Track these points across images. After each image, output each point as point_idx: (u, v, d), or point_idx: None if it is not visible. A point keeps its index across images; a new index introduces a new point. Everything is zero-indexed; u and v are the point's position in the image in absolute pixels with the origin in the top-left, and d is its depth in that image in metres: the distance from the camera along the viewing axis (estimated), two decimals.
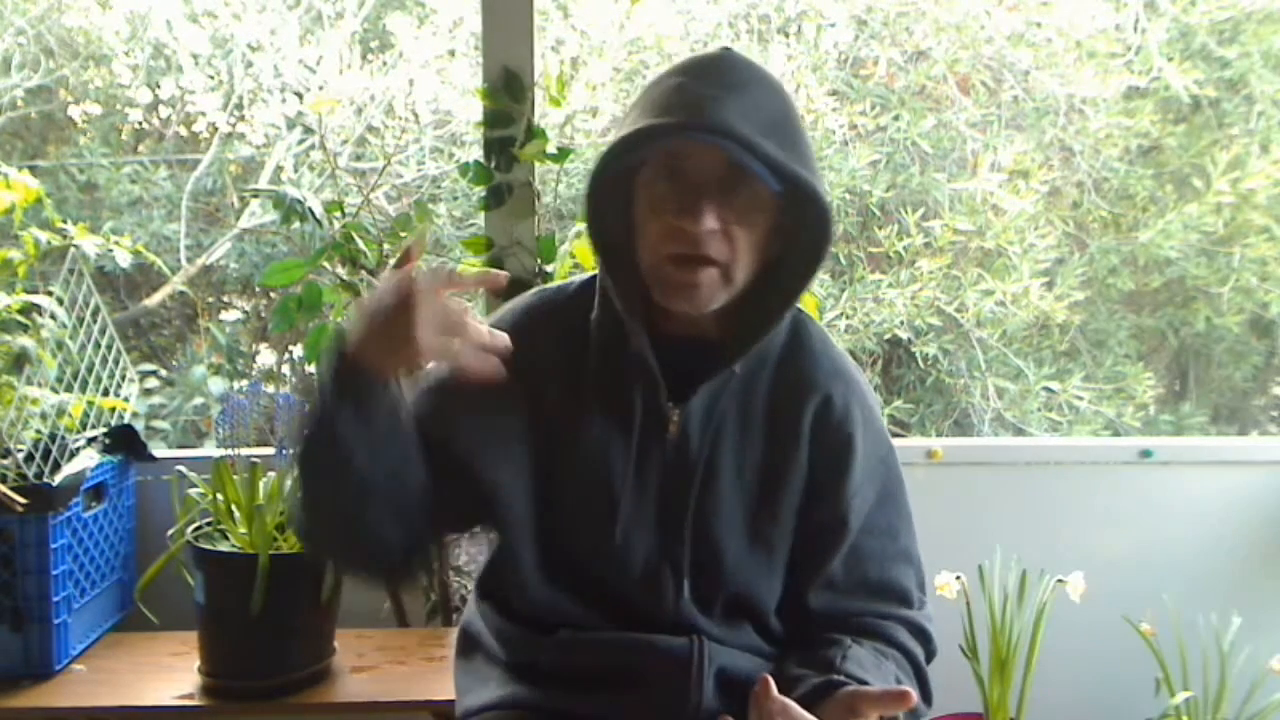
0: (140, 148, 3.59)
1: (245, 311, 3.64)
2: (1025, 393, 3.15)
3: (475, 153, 1.96)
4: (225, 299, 3.63)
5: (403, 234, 1.79)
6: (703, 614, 1.13)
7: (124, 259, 1.79)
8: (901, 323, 3.06)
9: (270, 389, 1.80)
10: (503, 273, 1.08)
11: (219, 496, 1.63)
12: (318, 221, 1.75)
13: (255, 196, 3.22)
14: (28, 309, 1.71)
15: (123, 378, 1.88)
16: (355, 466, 1.02)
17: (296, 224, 1.75)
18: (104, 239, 1.78)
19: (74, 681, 1.62)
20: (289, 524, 1.09)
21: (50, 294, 1.73)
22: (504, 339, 1.01)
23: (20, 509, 1.56)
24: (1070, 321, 3.24)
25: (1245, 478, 2.06)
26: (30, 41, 3.34)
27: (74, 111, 3.59)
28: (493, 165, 1.85)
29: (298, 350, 3.42)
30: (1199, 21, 3.17)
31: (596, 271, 1.19)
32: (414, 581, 1.22)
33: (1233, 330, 3.34)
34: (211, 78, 3.42)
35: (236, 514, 1.63)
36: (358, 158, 3.26)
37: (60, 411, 1.74)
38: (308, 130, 3.21)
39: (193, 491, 1.66)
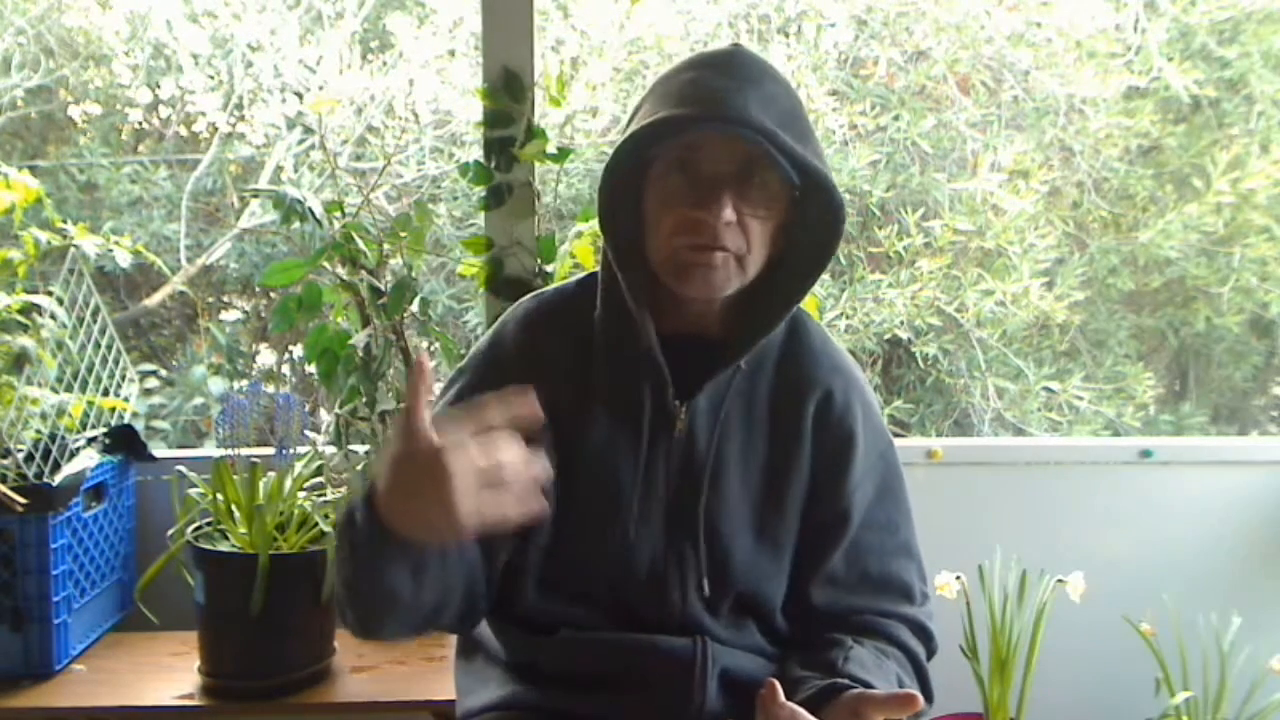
0: (140, 148, 3.59)
1: (245, 311, 3.64)
2: (1025, 393, 3.15)
3: (475, 153, 1.96)
4: (225, 299, 3.63)
5: (403, 234, 1.79)
6: (709, 613, 1.13)
7: (124, 259, 1.79)
8: (901, 323, 3.06)
9: (270, 389, 1.80)
10: (532, 405, 0.92)
11: (219, 496, 1.63)
12: (318, 221, 1.75)
13: (255, 196, 3.22)
14: (28, 309, 1.70)
15: (123, 378, 1.88)
16: (402, 599, 1.00)
17: (296, 224, 1.75)
18: (104, 239, 1.78)
19: (74, 681, 1.62)
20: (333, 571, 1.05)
21: (50, 294, 1.73)
22: (537, 414, 0.91)
23: (20, 509, 1.56)
24: (1070, 321, 3.24)
25: (1245, 478, 2.06)
26: (30, 41, 3.34)
27: (74, 111, 3.59)
28: (493, 165, 1.85)
29: (298, 350, 3.43)
30: (1199, 21, 3.17)
31: (594, 271, 1.19)
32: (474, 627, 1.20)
33: (1233, 330, 3.34)
34: (211, 78, 3.42)
35: (236, 514, 1.63)
36: (358, 158, 3.26)
37: (60, 411, 1.74)
38: (308, 130, 3.21)
39: (193, 491, 1.66)
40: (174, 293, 3.39)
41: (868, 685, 1.03)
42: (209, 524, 1.65)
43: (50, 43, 3.36)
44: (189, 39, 3.34)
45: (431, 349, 1.99)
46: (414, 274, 1.82)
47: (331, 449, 1.78)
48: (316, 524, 1.62)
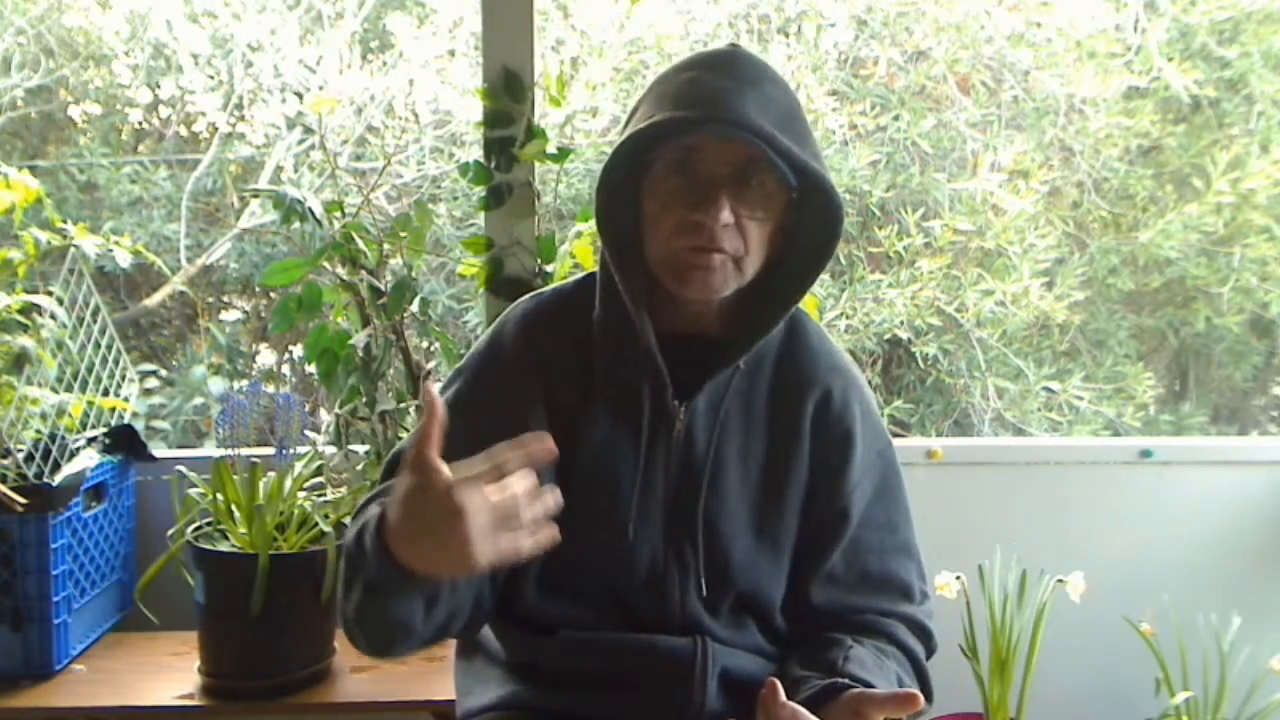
0: (140, 148, 3.59)
1: (245, 311, 3.64)
2: (1025, 393, 3.15)
3: (475, 153, 1.96)
4: (225, 299, 3.63)
5: (403, 234, 1.79)
6: (709, 613, 1.13)
7: (124, 259, 1.79)
8: (901, 323, 3.06)
9: (270, 389, 1.80)
10: (547, 446, 0.92)
11: (219, 496, 1.63)
12: (318, 221, 1.75)
13: (255, 196, 3.22)
14: (28, 309, 1.70)
15: (123, 378, 1.88)
16: (415, 629, 1.01)
17: (296, 224, 1.75)
18: (104, 239, 1.78)
19: (74, 681, 1.62)
20: (343, 617, 1.05)
21: (50, 294, 1.73)
22: (551, 450, 0.91)
23: (20, 509, 1.57)
24: (1070, 321, 3.24)
25: (1245, 478, 2.06)
26: (30, 41, 3.34)
27: (74, 111, 3.59)
28: (493, 165, 1.85)
29: (298, 350, 3.42)
30: (1199, 21, 3.17)
31: (592, 272, 1.19)
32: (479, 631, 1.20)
33: (1233, 330, 3.34)
34: (211, 78, 3.42)
35: (236, 514, 1.63)
36: (358, 158, 3.26)
37: (60, 411, 1.74)
38: (308, 130, 3.21)
39: (193, 491, 1.66)
40: (174, 293, 3.39)
41: (868, 685, 1.03)
42: (209, 524, 1.65)
43: (50, 43, 3.36)
44: (189, 39, 3.34)
45: (431, 349, 1.99)
46: (414, 274, 1.82)
47: (331, 449, 1.78)
48: (316, 524, 1.62)
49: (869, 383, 1.27)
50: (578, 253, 1.82)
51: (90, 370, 1.80)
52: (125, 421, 1.85)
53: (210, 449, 1.88)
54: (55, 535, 1.60)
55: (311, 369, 1.84)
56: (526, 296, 1.24)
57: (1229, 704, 1.81)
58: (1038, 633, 1.78)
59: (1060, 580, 1.77)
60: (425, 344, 2.03)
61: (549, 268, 1.86)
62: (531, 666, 1.15)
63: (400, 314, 1.76)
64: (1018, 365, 3.17)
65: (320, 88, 3.23)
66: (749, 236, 1.07)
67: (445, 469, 0.88)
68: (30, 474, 1.61)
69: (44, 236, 1.72)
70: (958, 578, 1.78)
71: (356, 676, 1.64)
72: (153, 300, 3.40)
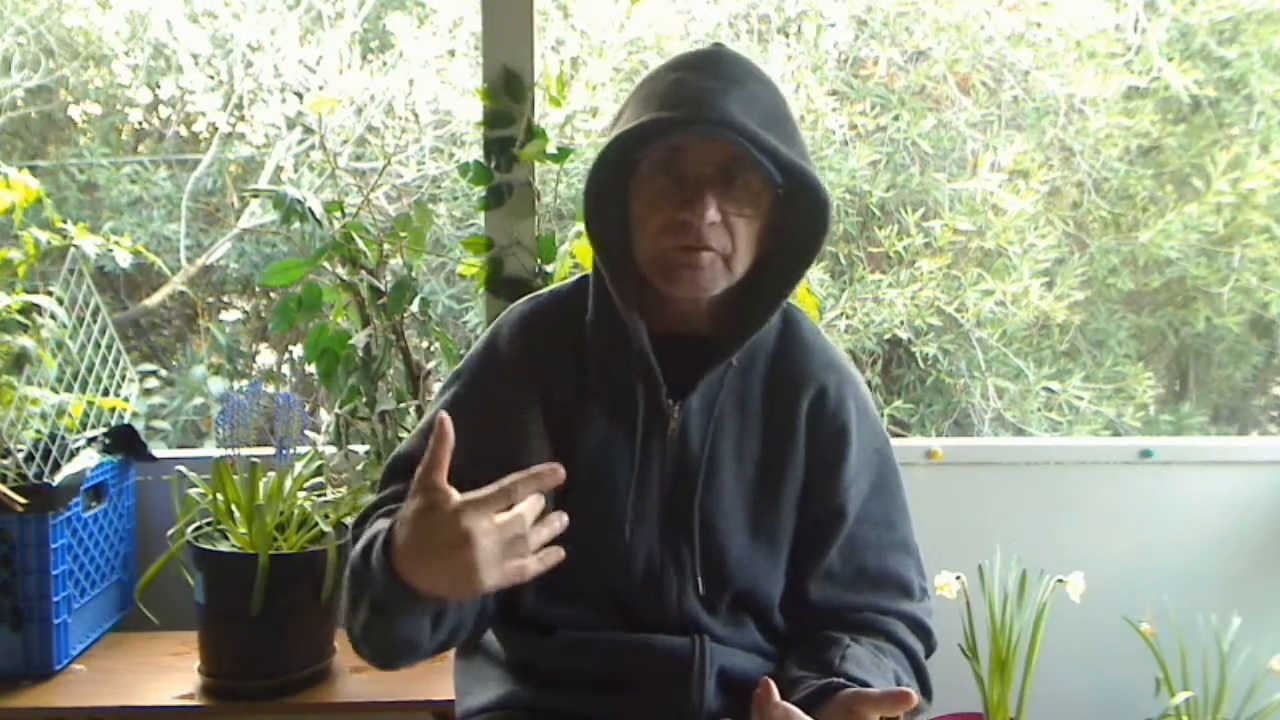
0: (140, 148, 3.59)
1: (245, 311, 3.64)
2: (1025, 393, 3.15)
3: (475, 153, 1.96)
4: (225, 299, 3.63)
5: (403, 234, 1.79)
6: (707, 612, 1.13)
7: (124, 259, 1.79)
8: (901, 323, 3.06)
9: (270, 389, 1.80)
10: (558, 475, 0.93)
11: (219, 496, 1.63)
12: (318, 221, 1.75)
13: (255, 196, 3.22)
14: (28, 309, 1.71)
15: (123, 378, 1.88)
16: (422, 645, 1.02)
17: (296, 224, 1.75)
18: (104, 239, 1.78)
19: (74, 681, 1.62)
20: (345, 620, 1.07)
21: (50, 294, 1.73)
22: (560, 477, 0.92)
23: (20, 509, 1.57)
24: (1070, 321, 3.24)
25: (1245, 478, 2.06)
26: (30, 41, 3.34)
27: (74, 111, 3.59)
28: (493, 165, 1.85)
29: (298, 350, 3.42)
30: (1199, 21, 3.17)
31: (587, 274, 1.19)
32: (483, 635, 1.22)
33: (1233, 330, 3.33)
34: (211, 78, 3.42)
35: (236, 514, 1.63)
36: (358, 158, 3.26)
37: (60, 411, 1.74)
38: (308, 130, 3.21)
39: (193, 491, 1.66)
40: (174, 293, 3.39)
41: (864, 684, 1.03)
42: (209, 524, 1.65)
43: (50, 43, 3.36)
44: (189, 39, 3.34)
45: (431, 349, 1.99)
46: (414, 274, 1.82)
47: (331, 449, 1.78)
48: (316, 524, 1.62)
49: (869, 383, 1.27)
50: (578, 253, 1.82)
51: (90, 370, 1.80)
52: (125, 421, 1.85)
53: (210, 449, 1.88)
54: (55, 535, 1.60)
55: (311, 369, 1.84)
56: (522, 299, 1.24)
57: (1229, 704, 1.81)
58: (1038, 633, 1.78)
59: (1060, 580, 1.77)
60: (425, 344, 2.03)
61: (549, 268, 1.86)
62: (530, 667, 1.15)
63: (400, 314, 1.76)
64: (1018, 365, 3.17)
65: (320, 88, 3.23)
66: (736, 235, 1.07)
67: (454, 493, 0.89)
68: (30, 474, 1.61)
69: (44, 236, 1.72)
70: (958, 578, 1.78)
71: (356, 676, 1.64)
72: (153, 300, 3.40)
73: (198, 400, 3.05)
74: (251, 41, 3.31)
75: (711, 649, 1.11)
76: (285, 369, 3.53)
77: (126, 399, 1.86)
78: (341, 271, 1.78)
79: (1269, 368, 3.67)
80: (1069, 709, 1.97)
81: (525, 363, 1.16)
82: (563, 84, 1.84)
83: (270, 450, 1.65)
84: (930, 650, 1.20)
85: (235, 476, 1.63)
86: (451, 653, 1.28)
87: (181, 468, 1.71)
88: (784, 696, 1.00)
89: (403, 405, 1.78)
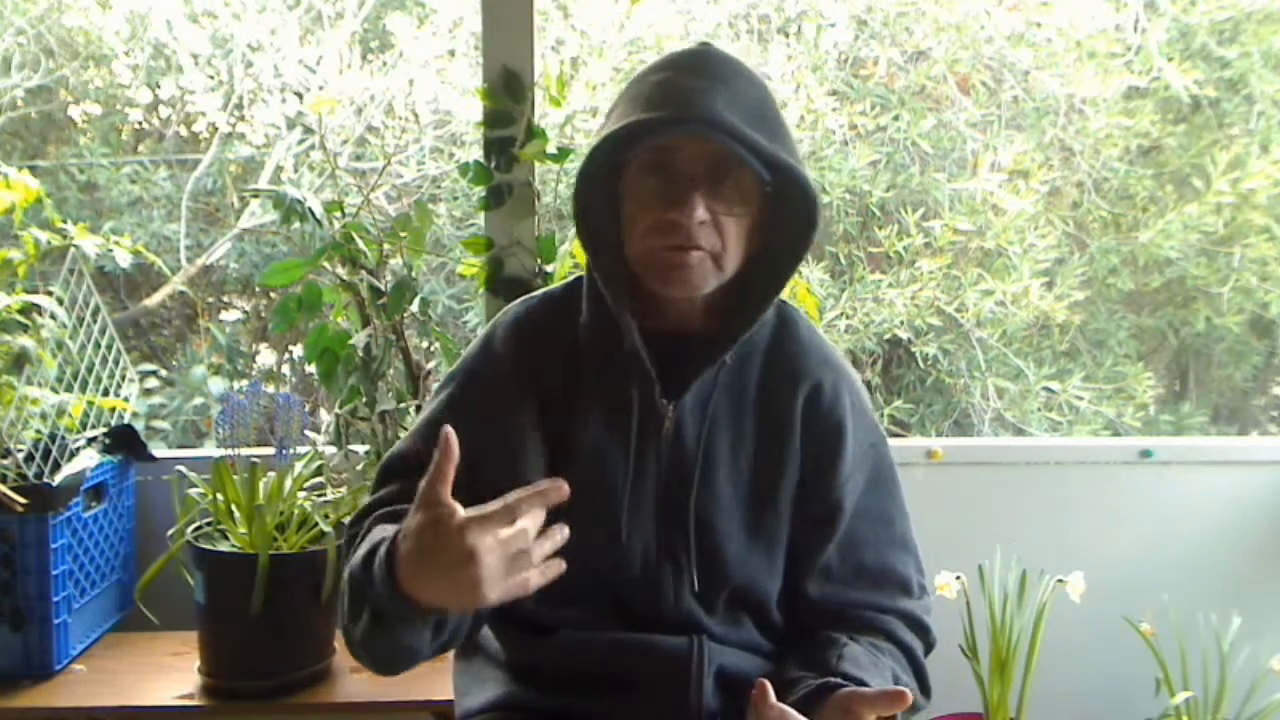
0: (140, 148, 3.59)
1: (245, 311, 3.64)
2: (1025, 393, 3.15)
3: (475, 153, 1.96)
4: (225, 299, 3.63)
5: (403, 234, 1.79)
6: (705, 610, 1.13)
7: (124, 259, 1.79)
8: (901, 323, 3.06)
9: (270, 389, 1.80)
10: (561, 488, 0.93)
11: (219, 496, 1.63)
12: (318, 221, 1.75)
13: (255, 196, 3.22)
14: (28, 309, 1.70)
15: (123, 378, 1.88)
16: (422, 653, 1.02)
17: (296, 224, 1.75)
18: (104, 239, 1.78)
19: (74, 681, 1.62)
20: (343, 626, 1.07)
21: (50, 294, 1.73)
22: (564, 493, 0.93)
23: (20, 509, 1.57)
24: (1070, 321, 3.24)
25: (1245, 478, 2.06)
26: (30, 41, 3.34)
27: (74, 111, 3.59)
28: (493, 165, 1.85)
29: (298, 350, 3.42)
30: (1199, 21, 3.17)
31: (580, 275, 1.20)
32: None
33: (1233, 330, 3.33)
34: (211, 78, 3.42)
35: (236, 514, 1.63)
36: (358, 158, 3.26)
37: (60, 411, 1.74)
38: (308, 130, 3.21)
39: (193, 491, 1.66)
40: (174, 293, 3.39)
41: (862, 683, 1.03)
42: (209, 524, 1.65)
43: (50, 43, 3.36)
44: (189, 39, 3.34)
45: (431, 349, 1.99)
46: (414, 274, 1.82)
47: (331, 449, 1.78)
48: (316, 524, 1.62)
49: (869, 383, 1.27)
50: (578, 253, 1.82)
51: (90, 370, 1.80)
52: (125, 421, 1.85)
53: (210, 449, 1.88)
54: (55, 535, 1.60)
55: (311, 369, 1.84)
56: (516, 301, 1.25)
57: (1229, 704, 1.81)
58: (1038, 633, 1.78)
59: (1060, 580, 1.77)
60: (425, 344, 2.03)
61: (549, 268, 1.86)
62: (529, 667, 1.15)
63: (400, 314, 1.76)
64: (1018, 365, 3.17)
65: (320, 88, 3.23)
66: (726, 233, 1.08)
67: (458, 509, 0.89)
68: (30, 474, 1.61)
69: (44, 236, 1.72)
70: (958, 578, 1.78)
71: (356, 676, 1.64)
72: (153, 300, 3.40)
73: (198, 400, 3.05)
74: (251, 41, 3.31)
75: (710, 649, 1.11)
76: (285, 369, 3.53)
77: (126, 399, 1.86)
78: (341, 271, 1.78)
79: (1269, 368, 3.67)
80: (1069, 709, 1.97)
81: (520, 364, 1.16)
82: (563, 84, 1.84)
83: (270, 450, 1.65)
84: (929, 648, 1.20)
85: (235, 476, 1.63)
86: (451, 653, 1.28)
87: (181, 468, 1.71)
88: (782, 696, 1.00)
89: (403, 405, 1.78)
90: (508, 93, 1.83)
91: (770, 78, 3.11)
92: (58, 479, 1.60)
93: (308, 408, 1.78)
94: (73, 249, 1.75)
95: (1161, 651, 1.82)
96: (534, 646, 1.15)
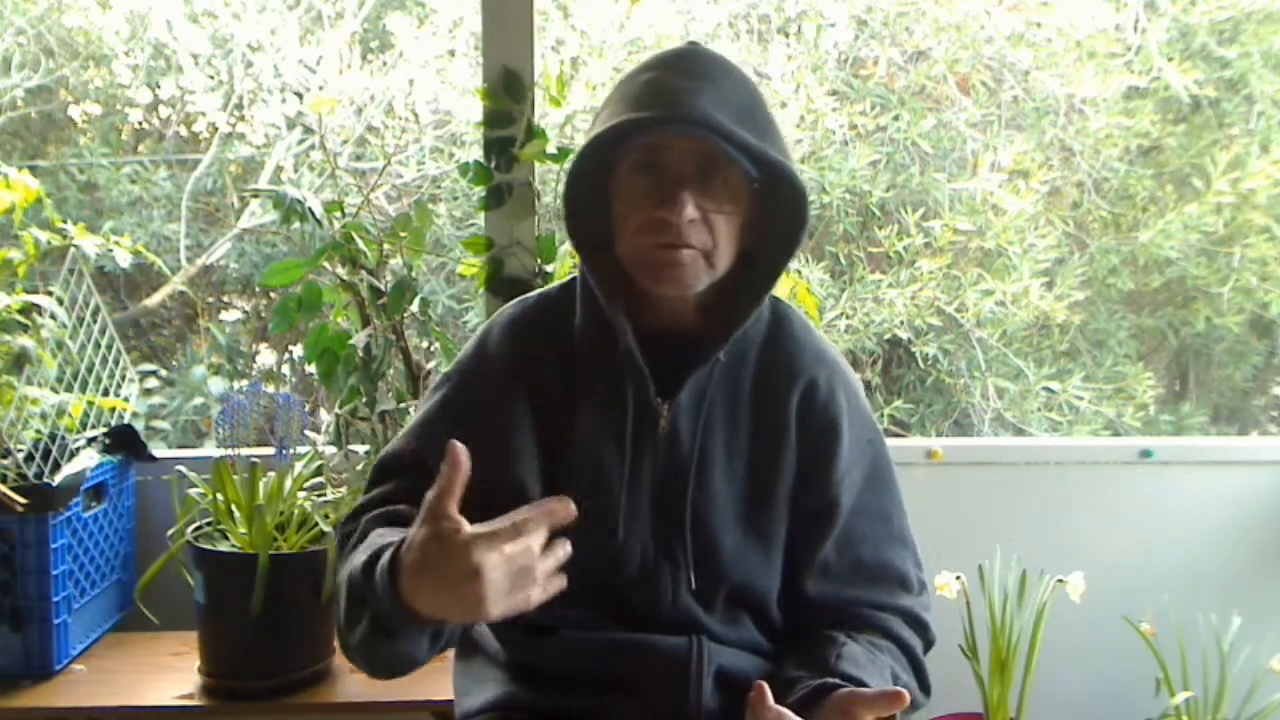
0: (140, 148, 3.59)
1: (245, 311, 3.64)
2: (1025, 393, 3.15)
3: (475, 153, 1.96)
4: (225, 299, 3.63)
5: (403, 234, 1.79)
6: (703, 608, 1.13)
7: (124, 259, 1.79)
8: (901, 323, 3.06)
9: (270, 389, 1.80)
10: (568, 507, 0.93)
11: (219, 496, 1.63)
12: (318, 221, 1.75)
13: (255, 196, 3.22)
14: (28, 309, 1.70)
15: (123, 378, 1.88)
16: (419, 660, 1.02)
17: (296, 224, 1.75)
18: (104, 239, 1.78)
19: (74, 681, 1.62)
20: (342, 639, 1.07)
21: (50, 294, 1.73)
22: (571, 513, 0.93)
23: (20, 509, 1.56)
24: (1070, 321, 3.24)
25: (1245, 478, 2.06)
26: (30, 41, 3.34)
27: (74, 111, 3.59)
28: (493, 165, 1.85)
29: (298, 350, 3.43)
30: (1199, 21, 3.17)
31: (575, 275, 1.20)
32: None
33: (1233, 330, 3.34)
34: (211, 78, 3.42)
35: (236, 514, 1.63)
36: (358, 158, 3.26)
37: (60, 411, 1.74)
38: (308, 130, 3.21)
39: (193, 491, 1.66)
40: (174, 293, 3.39)
41: (860, 683, 1.03)
42: (209, 524, 1.65)
43: (50, 43, 3.36)
44: (189, 39, 3.34)
45: (431, 349, 1.99)
46: (414, 274, 1.82)
47: (331, 449, 1.78)
48: (316, 524, 1.62)
49: (869, 383, 1.27)
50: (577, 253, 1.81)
51: (90, 370, 1.80)
52: (125, 421, 1.85)
53: (210, 449, 1.88)
54: (55, 535, 1.60)
55: (311, 369, 1.84)
56: (512, 302, 1.25)
57: (1229, 704, 1.81)
58: (1038, 633, 1.78)
59: (1060, 580, 1.77)
60: (425, 344, 2.03)
61: (549, 268, 1.86)
62: (529, 667, 1.15)
63: (400, 314, 1.76)
64: (1018, 365, 3.17)
65: (320, 88, 3.23)
66: (717, 231, 1.08)
67: (465, 524, 0.88)
68: (30, 474, 1.61)
69: (44, 236, 1.72)
70: (958, 578, 1.78)
71: (356, 676, 1.64)
72: (153, 300, 3.40)
73: (198, 400, 3.05)
74: (251, 41, 3.31)
75: (709, 649, 1.11)
76: (285, 369, 3.53)
77: (126, 399, 1.86)
78: (341, 271, 1.78)
79: (1269, 368, 3.68)
80: (1069, 709, 1.97)
81: (514, 365, 1.16)
82: (563, 84, 1.84)
83: (270, 450, 1.65)
84: (928, 645, 1.20)
85: (235, 476, 1.63)
86: (451, 653, 1.28)
87: (181, 468, 1.71)
88: (781, 696, 1.00)
89: (403, 405, 1.78)
90: (508, 93, 1.83)
91: (770, 78, 3.12)
92: (58, 479, 1.60)
93: (308, 408, 1.78)
94: (73, 249, 1.75)
95: (1161, 651, 1.82)
96: (534, 647, 1.15)
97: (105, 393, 1.83)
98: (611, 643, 1.12)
